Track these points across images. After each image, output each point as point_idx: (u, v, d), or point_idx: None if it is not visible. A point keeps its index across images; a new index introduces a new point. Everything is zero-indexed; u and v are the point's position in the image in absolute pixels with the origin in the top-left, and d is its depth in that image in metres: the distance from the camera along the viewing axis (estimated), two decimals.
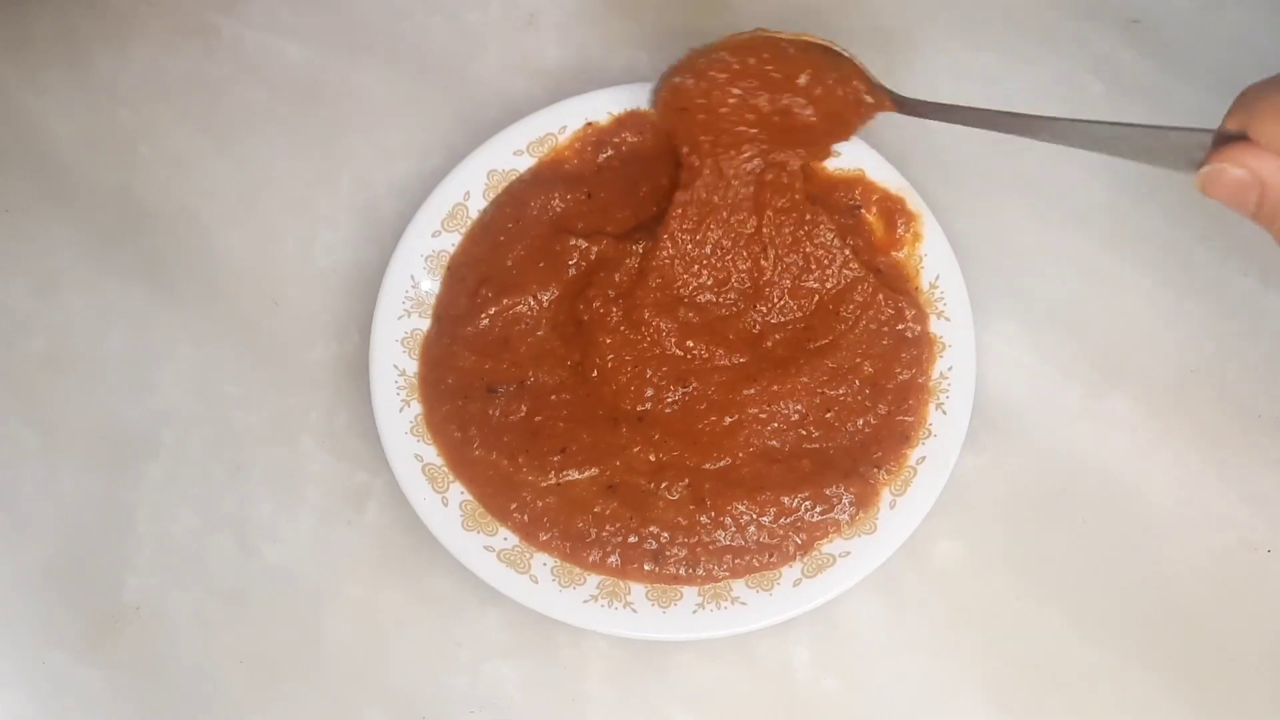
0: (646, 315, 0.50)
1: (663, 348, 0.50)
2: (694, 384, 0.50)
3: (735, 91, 0.49)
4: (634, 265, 0.51)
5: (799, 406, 0.50)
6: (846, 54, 0.49)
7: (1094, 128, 0.43)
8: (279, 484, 0.52)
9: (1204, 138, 0.39)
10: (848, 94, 0.48)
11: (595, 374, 0.50)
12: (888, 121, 0.56)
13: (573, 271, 0.52)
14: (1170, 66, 0.56)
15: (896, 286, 0.51)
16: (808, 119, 0.49)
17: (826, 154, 0.51)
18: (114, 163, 0.57)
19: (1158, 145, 0.41)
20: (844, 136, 0.50)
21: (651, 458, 0.49)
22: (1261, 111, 0.38)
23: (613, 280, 0.51)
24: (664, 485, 0.49)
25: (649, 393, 0.50)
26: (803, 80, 0.48)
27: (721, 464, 0.49)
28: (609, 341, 0.50)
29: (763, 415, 0.50)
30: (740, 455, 0.49)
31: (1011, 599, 0.50)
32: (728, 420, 0.50)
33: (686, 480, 0.49)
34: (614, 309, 0.51)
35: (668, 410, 0.50)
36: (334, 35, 0.59)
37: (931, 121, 0.56)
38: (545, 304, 0.52)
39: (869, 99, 0.49)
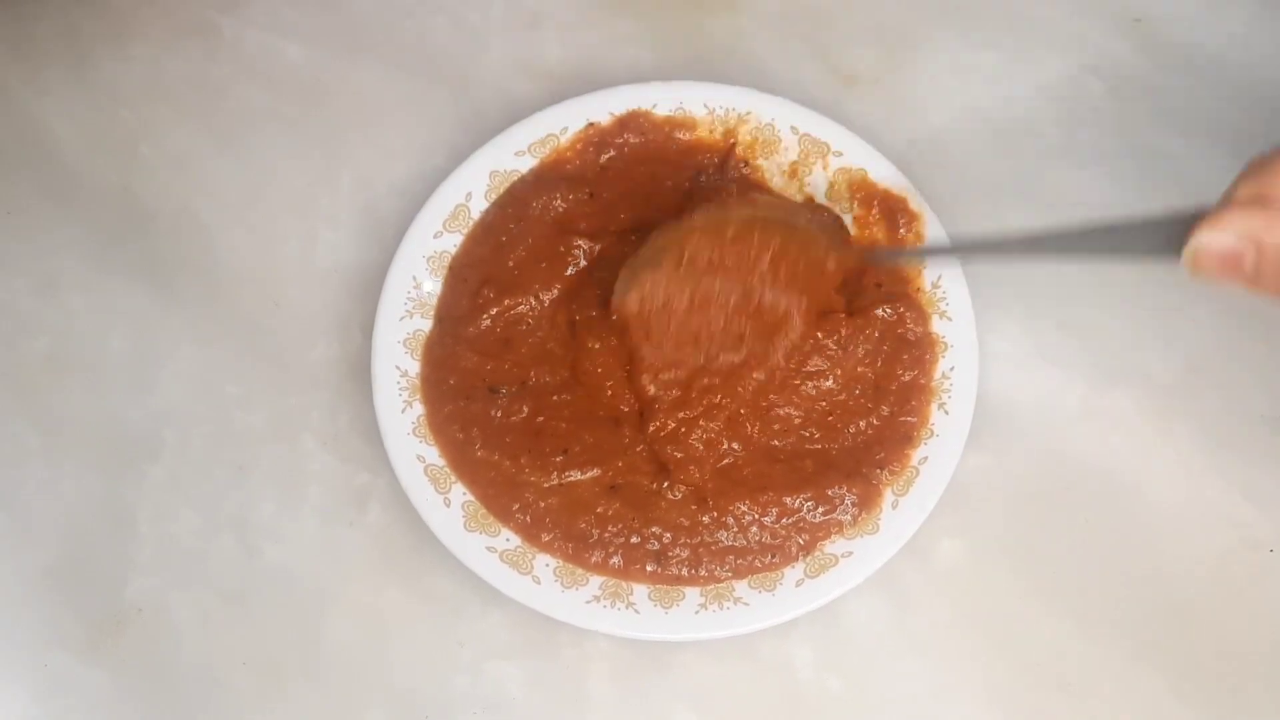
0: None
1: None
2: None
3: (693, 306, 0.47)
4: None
5: (798, 413, 0.50)
6: (801, 219, 0.48)
7: (1076, 237, 0.41)
8: (281, 484, 0.52)
9: (1192, 220, 0.37)
10: (811, 265, 0.47)
11: (584, 377, 0.50)
12: (887, 122, 0.56)
13: (573, 272, 0.52)
14: (1171, 66, 0.56)
15: (896, 290, 0.51)
16: (776, 302, 0.47)
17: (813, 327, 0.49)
18: (115, 163, 0.57)
19: (1146, 237, 0.39)
20: (822, 304, 0.48)
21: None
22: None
23: (604, 279, 0.51)
24: (666, 486, 0.49)
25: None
26: (763, 266, 0.46)
27: (725, 463, 0.49)
28: (597, 346, 0.50)
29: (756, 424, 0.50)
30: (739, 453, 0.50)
31: (1014, 598, 0.50)
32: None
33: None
34: (602, 310, 0.50)
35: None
36: (335, 35, 0.58)
37: (932, 118, 0.56)
38: (547, 304, 0.52)
39: (831, 265, 0.47)
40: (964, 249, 0.49)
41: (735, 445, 0.49)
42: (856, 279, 0.51)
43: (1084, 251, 0.41)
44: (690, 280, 0.47)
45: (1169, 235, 0.37)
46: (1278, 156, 0.36)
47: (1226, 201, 0.36)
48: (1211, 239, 0.36)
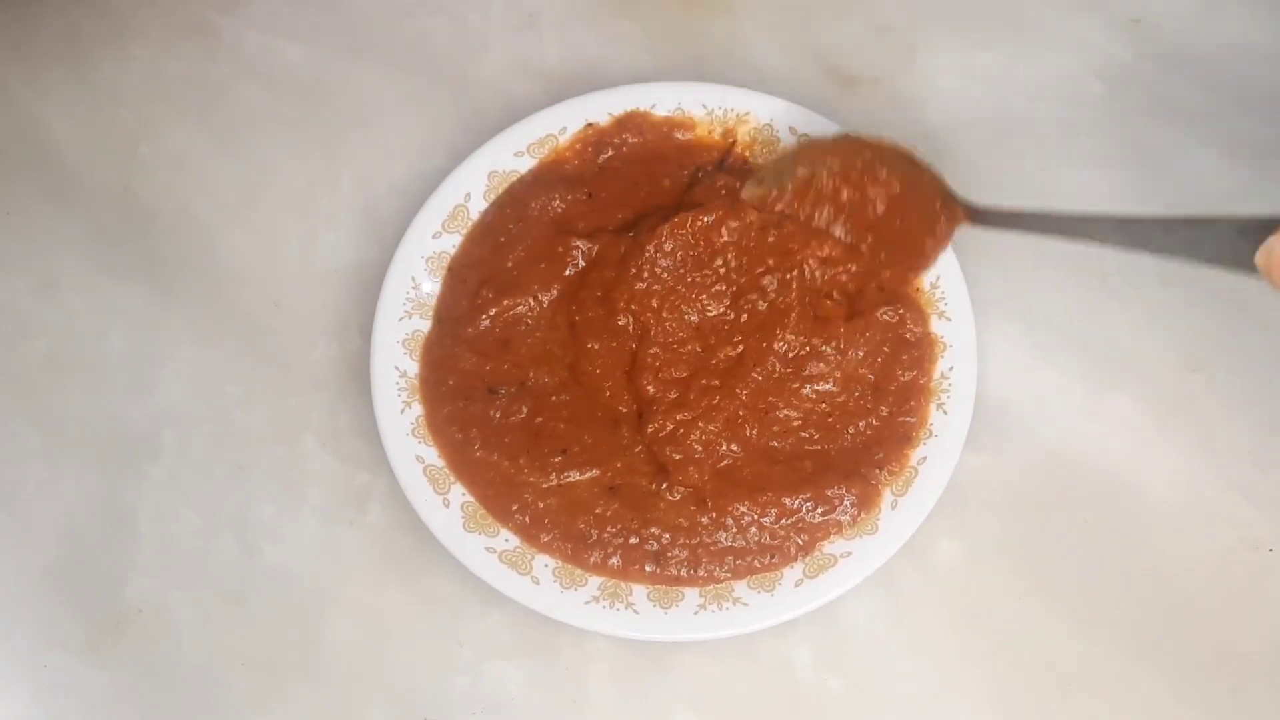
0: (621, 306, 0.50)
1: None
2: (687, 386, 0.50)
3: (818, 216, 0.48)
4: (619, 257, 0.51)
5: (797, 414, 0.50)
6: (925, 164, 0.48)
7: (1174, 228, 0.40)
8: (280, 485, 0.52)
9: (1266, 225, 0.36)
10: (922, 217, 0.48)
11: (583, 377, 0.50)
12: (886, 122, 0.56)
13: (572, 272, 0.52)
14: (1170, 66, 0.56)
15: (896, 292, 0.51)
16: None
17: (905, 282, 0.51)
18: (115, 163, 0.57)
19: (1232, 241, 0.38)
20: (924, 264, 0.49)
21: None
22: None
23: (602, 278, 0.51)
24: (665, 487, 0.49)
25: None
26: (879, 200, 0.48)
27: (724, 464, 0.49)
28: (596, 347, 0.50)
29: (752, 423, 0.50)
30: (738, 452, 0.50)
31: (1013, 598, 0.50)
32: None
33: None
34: (600, 310, 0.51)
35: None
36: (335, 36, 0.58)
37: (930, 119, 0.56)
38: (546, 305, 0.52)
39: (944, 219, 0.48)
40: (1067, 227, 0.46)
41: (734, 447, 0.49)
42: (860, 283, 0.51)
43: (1156, 246, 0.41)
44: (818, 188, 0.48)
45: (1241, 236, 0.37)
46: None
47: None
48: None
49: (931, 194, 0.48)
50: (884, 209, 0.47)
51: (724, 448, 0.49)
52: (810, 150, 0.49)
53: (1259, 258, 0.36)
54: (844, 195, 0.48)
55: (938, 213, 0.48)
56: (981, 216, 0.47)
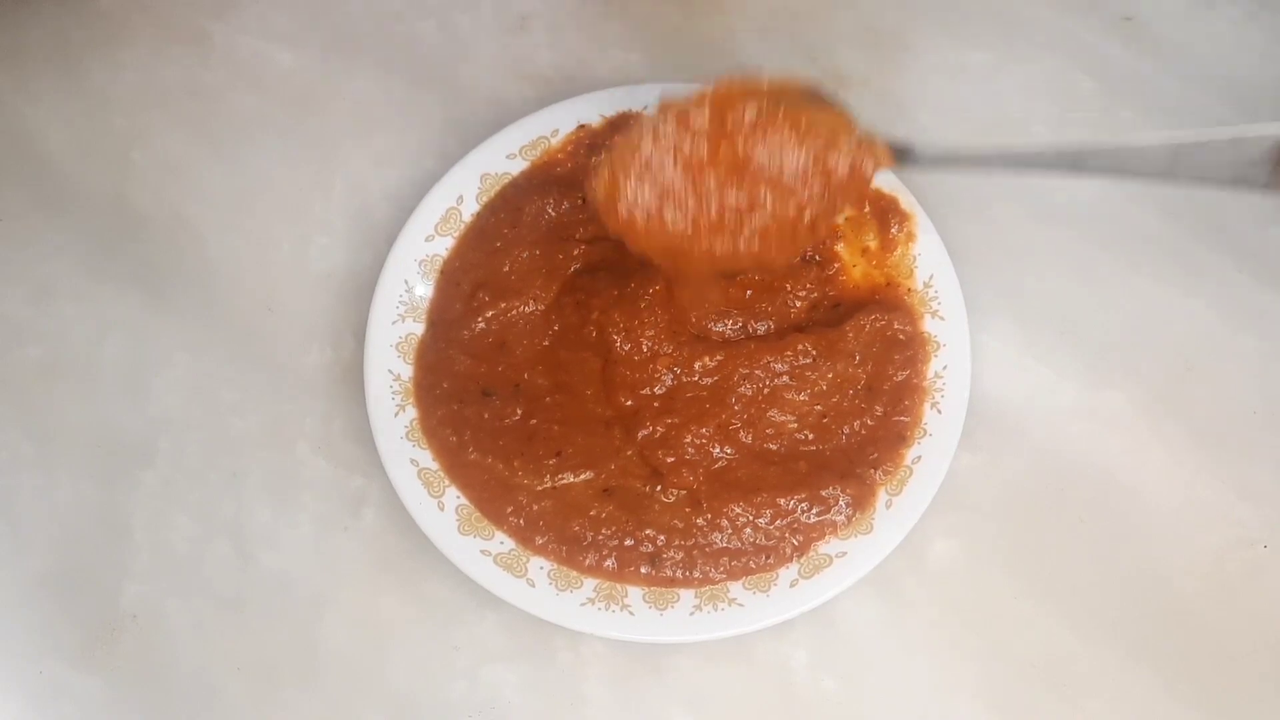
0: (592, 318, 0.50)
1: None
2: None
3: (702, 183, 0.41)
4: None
5: (791, 416, 0.50)
6: (832, 101, 0.42)
7: (1144, 152, 0.36)
8: (275, 490, 0.52)
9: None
10: (839, 163, 0.41)
11: (564, 386, 0.50)
12: (878, 122, 0.56)
13: (567, 275, 0.52)
14: (1162, 63, 0.56)
15: (881, 294, 0.51)
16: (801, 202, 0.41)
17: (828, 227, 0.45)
18: (107, 170, 0.57)
19: (1226, 158, 0.34)
20: (841, 208, 0.43)
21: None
22: None
23: (589, 287, 0.51)
24: (659, 489, 0.49)
25: (660, 388, 0.50)
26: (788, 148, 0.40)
27: (718, 466, 0.49)
28: (568, 356, 0.51)
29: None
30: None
31: (1008, 598, 0.50)
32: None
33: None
34: (575, 318, 0.51)
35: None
36: (326, 41, 0.58)
37: (922, 118, 0.56)
38: (541, 308, 0.52)
39: (865, 165, 0.41)
40: (1019, 159, 0.40)
41: (728, 449, 0.49)
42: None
43: (1160, 171, 0.36)
44: (687, 153, 0.40)
45: (1254, 158, 0.34)
46: None
47: None
48: None
49: (843, 134, 0.41)
50: (795, 156, 0.40)
51: (717, 450, 0.49)
52: (693, 97, 0.41)
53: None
54: (744, 138, 0.40)
55: (856, 154, 0.41)
56: (911, 156, 0.42)
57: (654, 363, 0.50)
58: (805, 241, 0.42)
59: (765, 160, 0.40)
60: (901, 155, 0.42)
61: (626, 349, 0.50)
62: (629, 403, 0.50)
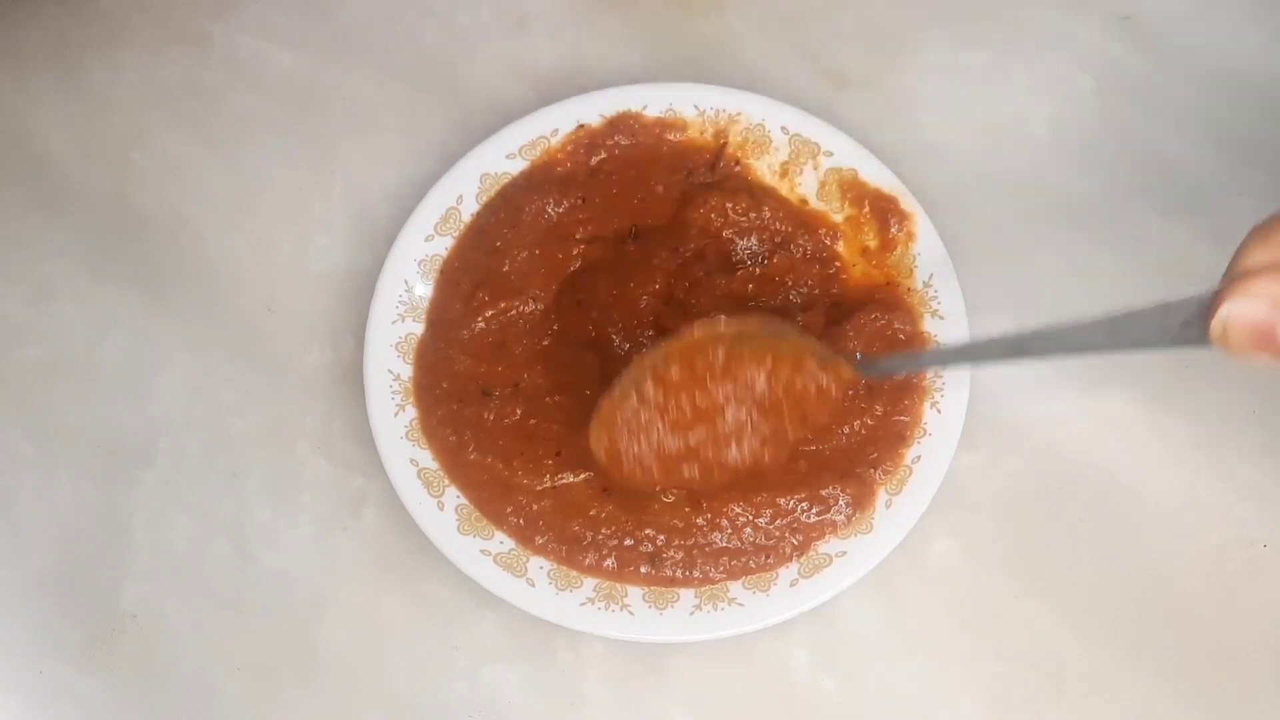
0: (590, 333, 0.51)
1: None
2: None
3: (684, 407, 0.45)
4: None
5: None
6: (791, 332, 0.46)
7: (1091, 332, 0.37)
8: (275, 490, 0.52)
9: (1209, 297, 0.34)
10: (806, 386, 0.45)
11: (562, 388, 0.50)
12: (878, 121, 0.56)
13: (567, 274, 0.52)
14: (1161, 63, 0.56)
15: (881, 294, 0.51)
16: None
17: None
18: (107, 170, 0.57)
19: (1159, 323, 0.36)
20: (815, 425, 0.46)
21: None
22: None
23: (591, 285, 0.51)
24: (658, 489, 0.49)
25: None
26: (759, 379, 0.44)
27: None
28: (567, 356, 0.51)
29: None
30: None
31: (1009, 597, 0.50)
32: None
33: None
34: (616, 316, 0.51)
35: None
36: (326, 41, 0.58)
37: (922, 118, 0.56)
38: (541, 307, 0.52)
39: (830, 385, 0.45)
40: (968, 354, 0.47)
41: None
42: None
43: (1099, 345, 0.38)
44: (671, 408, 0.44)
45: (1189, 317, 0.35)
46: None
47: (1242, 271, 0.34)
48: (1241, 309, 0.33)
49: (804, 359, 0.45)
50: (762, 386, 0.44)
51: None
52: (658, 356, 0.45)
53: (1213, 331, 0.33)
54: (711, 380, 0.44)
55: (821, 377, 0.45)
56: (869, 368, 0.46)
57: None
58: (797, 444, 0.46)
59: (740, 394, 0.45)
60: (862, 367, 0.46)
61: (626, 349, 0.50)
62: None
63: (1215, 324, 0.33)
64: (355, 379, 0.52)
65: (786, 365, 0.45)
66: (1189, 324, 0.35)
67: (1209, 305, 0.34)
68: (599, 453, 0.46)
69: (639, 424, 0.45)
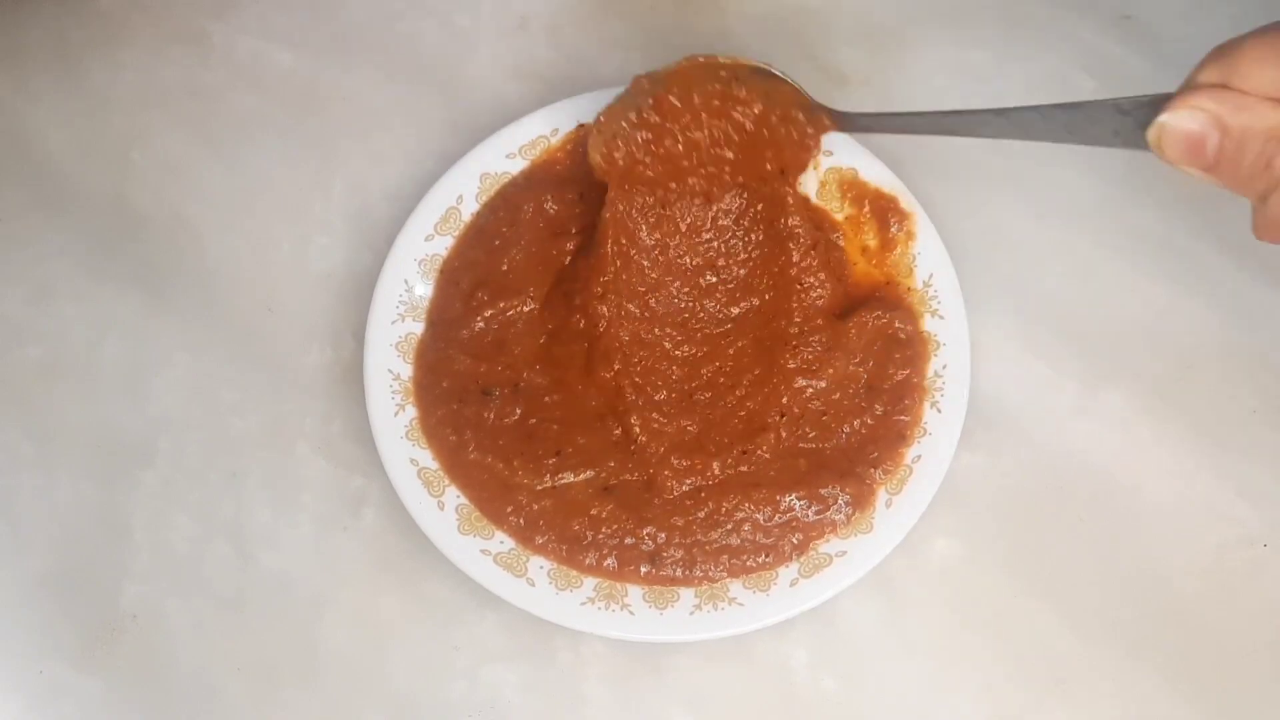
0: (577, 304, 0.51)
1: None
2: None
3: (677, 135, 0.48)
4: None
5: (796, 409, 0.50)
6: (783, 76, 0.49)
7: (1038, 114, 0.40)
8: (275, 490, 0.52)
9: (1160, 100, 0.36)
10: (789, 130, 0.48)
11: (558, 385, 0.51)
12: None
13: (562, 264, 0.52)
14: (1162, 62, 0.56)
15: (881, 293, 0.51)
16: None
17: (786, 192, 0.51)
18: (107, 170, 0.57)
19: (1112, 121, 0.38)
20: (795, 169, 0.50)
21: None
22: (1246, 52, 0.35)
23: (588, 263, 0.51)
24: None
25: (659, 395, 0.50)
26: (747, 120, 0.48)
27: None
28: (558, 350, 0.51)
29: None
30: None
31: (1009, 597, 0.50)
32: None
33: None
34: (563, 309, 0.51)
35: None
36: (326, 41, 0.59)
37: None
38: (538, 306, 0.52)
39: (810, 129, 0.49)
40: (933, 124, 0.48)
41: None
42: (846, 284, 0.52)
43: (1050, 131, 0.41)
44: (672, 126, 0.48)
45: (1133, 119, 0.37)
46: (1241, 42, 0.36)
47: (1190, 86, 0.36)
48: (1177, 120, 0.35)
49: (791, 106, 0.48)
50: (751, 127, 0.48)
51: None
52: (659, 76, 0.49)
53: (1150, 135, 0.36)
54: (704, 110, 0.48)
55: (802, 123, 0.49)
56: (848, 121, 0.49)
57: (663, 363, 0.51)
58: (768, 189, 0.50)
59: (728, 130, 0.48)
60: (841, 120, 0.49)
61: (606, 322, 0.50)
62: (609, 375, 0.50)
63: (1152, 130, 0.36)
64: (355, 379, 0.52)
65: (776, 110, 0.48)
66: (1134, 125, 0.37)
67: (1155, 110, 0.36)
68: (595, 158, 0.49)
69: (635, 140, 0.48)
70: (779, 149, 0.49)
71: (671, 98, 0.48)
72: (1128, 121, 0.37)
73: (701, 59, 0.48)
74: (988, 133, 0.43)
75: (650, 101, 0.48)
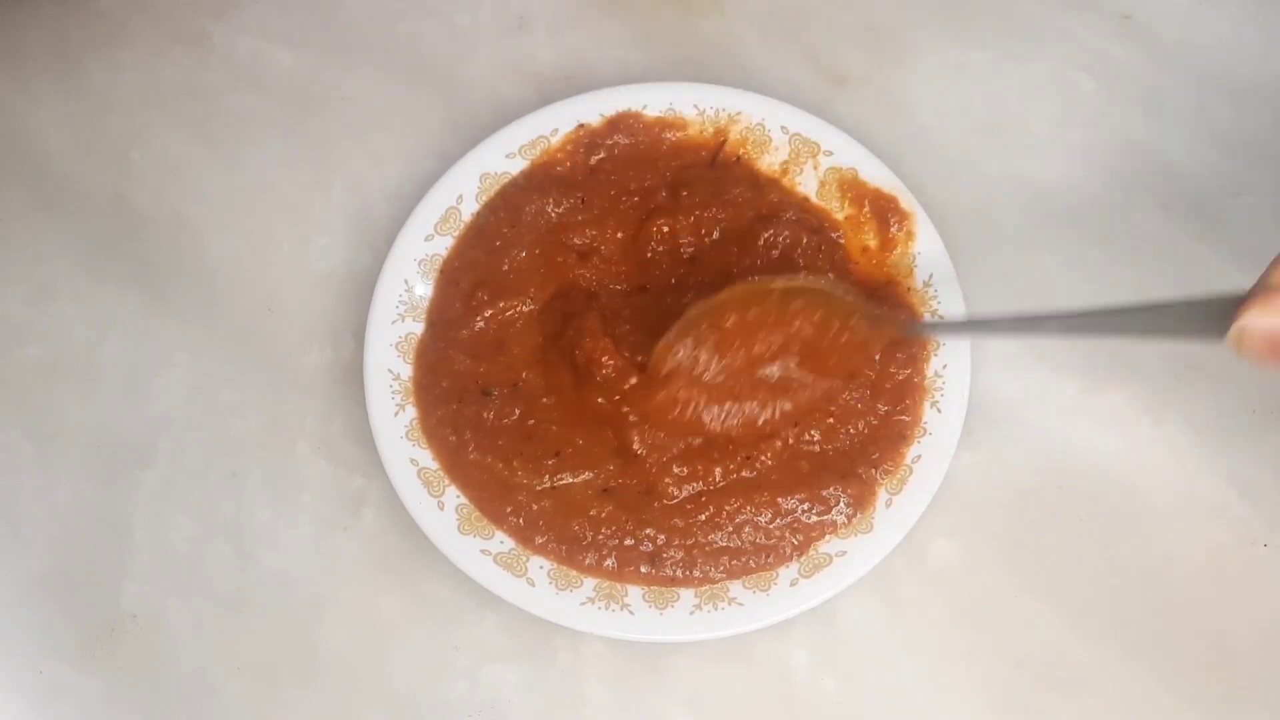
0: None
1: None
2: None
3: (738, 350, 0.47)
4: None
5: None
6: (834, 290, 0.47)
7: (1116, 317, 0.41)
8: (275, 490, 0.52)
9: (1235, 302, 0.37)
10: (852, 340, 0.47)
11: (553, 390, 0.50)
12: (878, 121, 0.56)
13: (568, 277, 0.52)
14: (1162, 62, 0.56)
15: (883, 294, 0.51)
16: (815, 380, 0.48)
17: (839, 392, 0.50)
18: (107, 170, 0.57)
19: (1188, 318, 0.39)
20: (853, 375, 0.49)
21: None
22: None
23: (602, 336, 0.50)
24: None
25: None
26: (807, 326, 0.46)
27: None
28: (555, 359, 0.51)
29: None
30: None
31: (1008, 596, 0.50)
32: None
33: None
34: (609, 360, 0.49)
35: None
36: (325, 41, 0.59)
37: (922, 118, 0.56)
38: (537, 308, 0.52)
39: (872, 333, 0.48)
40: (1002, 326, 0.48)
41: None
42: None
43: (1125, 331, 0.42)
44: (727, 344, 0.46)
45: (1210, 315, 0.38)
46: None
47: (1269, 286, 0.37)
48: (1259, 321, 0.36)
49: (853, 314, 0.47)
50: (812, 332, 0.46)
51: (716, 452, 0.49)
52: (714, 302, 0.47)
53: (1230, 336, 0.37)
54: (760, 328, 0.46)
55: (865, 328, 0.47)
56: (910, 328, 0.49)
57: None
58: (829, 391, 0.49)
59: (788, 344, 0.47)
60: (903, 328, 0.49)
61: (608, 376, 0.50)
62: (600, 400, 0.49)
63: (1234, 329, 0.36)
64: (355, 379, 0.52)
65: (836, 320, 0.47)
66: (1210, 322, 0.37)
67: (1231, 308, 0.37)
68: (657, 402, 0.48)
69: (690, 368, 0.47)
70: (844, 354, 0.47)
71: (728, 322, 0.46)
72: (1203, 321, 0.38)
73: (749, 282, 0.47)
74: (1058, 332, 0.44)
75: (705, 326, 0.46)
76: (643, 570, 0.48)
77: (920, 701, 0.49)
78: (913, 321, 0.49)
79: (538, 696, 0.49)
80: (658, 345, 0.47)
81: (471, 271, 0.52)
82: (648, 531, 0.48)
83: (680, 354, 0.47)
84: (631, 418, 0.49)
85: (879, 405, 0.50)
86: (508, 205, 0.53)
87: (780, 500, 0.49)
